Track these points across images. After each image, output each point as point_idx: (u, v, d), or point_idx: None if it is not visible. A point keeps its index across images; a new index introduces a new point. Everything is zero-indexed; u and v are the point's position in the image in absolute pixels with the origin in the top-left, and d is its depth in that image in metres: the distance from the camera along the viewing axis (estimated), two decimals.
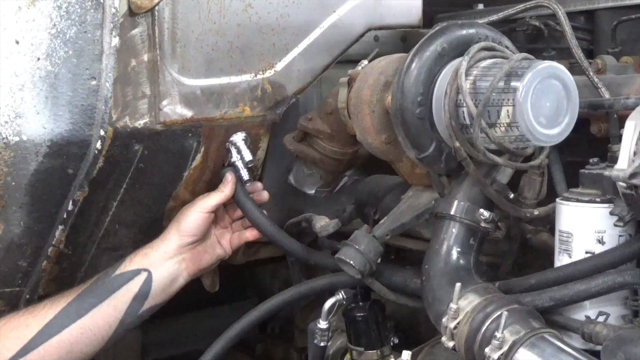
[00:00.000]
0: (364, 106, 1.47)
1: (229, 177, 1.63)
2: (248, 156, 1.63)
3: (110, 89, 1.46)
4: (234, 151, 1.65)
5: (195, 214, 1.61)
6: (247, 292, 2.45)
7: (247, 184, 1.65)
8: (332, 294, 1.68)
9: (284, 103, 1.69)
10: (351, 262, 1.47)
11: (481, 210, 1.39)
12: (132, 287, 1.55)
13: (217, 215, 1.68)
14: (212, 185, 1.70)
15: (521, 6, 1.63)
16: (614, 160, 1.25)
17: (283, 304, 1.68)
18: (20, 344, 1.47)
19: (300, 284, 1.72)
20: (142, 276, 1.56)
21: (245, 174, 1.65)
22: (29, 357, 1.47)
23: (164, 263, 1.58)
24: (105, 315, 1.53)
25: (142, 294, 1.55)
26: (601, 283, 1.26)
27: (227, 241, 1.69)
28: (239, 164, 1.65)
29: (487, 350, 1.24)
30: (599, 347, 1.23)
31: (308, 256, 1.69)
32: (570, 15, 1.56)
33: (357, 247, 1.47)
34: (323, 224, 1.63)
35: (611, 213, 1.27)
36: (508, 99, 1.26)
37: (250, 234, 1.69)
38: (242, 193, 1.64)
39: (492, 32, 1.42)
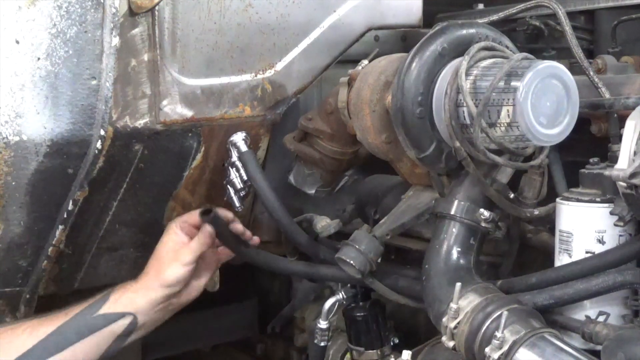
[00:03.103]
0: (364, 106, 1.47)
1: (207, 229, 1.57)
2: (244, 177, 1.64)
3: (111, 88, 1.46)
4: (233, 151, 1.65)
5: (177, 268, 1.55)
6: (247, 292, 2.45)
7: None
8: (332, 294, 1.68)
9: (284, 103, 1.69)
10: (351, 261, 1.47)
11: (481, 210, 1.39)
12: (116, 329, 1.52)
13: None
14: (213, 185, 1.70)
15: (521, 6, 1.63)
16: (614, 160, 1.25)
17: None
18: None
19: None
20: (127, 319, 1.52)
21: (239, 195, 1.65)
22: None
23: (149, 311, 1.54)
24: (86, 351, 1.50)
25: (126, 334, 1.53)
26: (601, 282, 1.26)
27: (208, 269, 1.65)
28: (236, 181, 1.65)
29: (487, 350, 1.24)
30: (599, 347, 1.23)
31: (316, 250, 1.68)
32: (571, 15, 1.56)
33: (357, 246, 1.47)
34: (324, 224, 1.63)
35: (611, 213, 1.27)
36: (508, 99, 1.26)
37: (224, 254, 1.66)
38: (260, 176, 1.61)
39: (492, 32, 1.42)
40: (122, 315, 1.52)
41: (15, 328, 1.49)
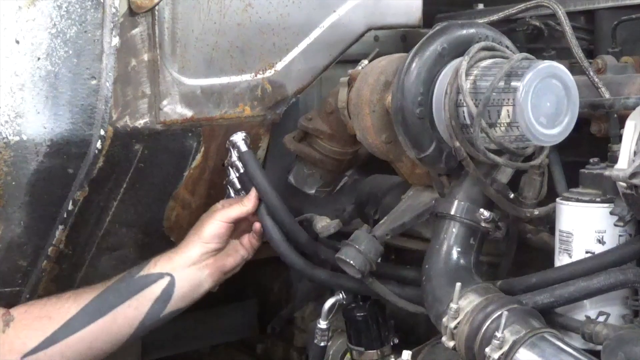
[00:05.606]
0: (364, 106, 1.47)
1: (254, 192, 1.63)
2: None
3: (111, 88, 1.46)
4: (233, 151, 1.65)
5: (215, 224, 1.60)
6: (247, 292, 2.45)
7: None
8: (332, 294, 1.68)
9: (284, 103, 1.69)
10: (351, 261, 1.47)
11: (481, 210, 1.39)
12: (155, 290, 1.55)
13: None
14: (213, 185, 1.70)
15: (521, 6, 1.63)
16: (614, 160, 1.25)
17: None
18: (43, 336, 1.49)
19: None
20: (165, 280, 1.56)
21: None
22: (50, 350, 1.49)
23: (186, 269, 1.58)
24: (126, 315, 1.54)
25: (164, 298, 1.56)
26: (602, 280, 1.26)
27: (247, 242, 1.68)
28: (236, 181, 1.65)
29: (487, 350, 1.24)
30: (599, 347, 1.23)
31: (316, 250, 1.68)
32: (570, 15, 1.55)
33: (357, 246, 1.47)
34: (324, 224, 1.63)
35: (611, 213, 1.27)
36: (508, 99, 1.26)
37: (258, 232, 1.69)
38: (261, 176, 1.63)
39: (492, 32, 1.42)
40: (160, 275, 1.56)
41: (61, 296, 1.54)
